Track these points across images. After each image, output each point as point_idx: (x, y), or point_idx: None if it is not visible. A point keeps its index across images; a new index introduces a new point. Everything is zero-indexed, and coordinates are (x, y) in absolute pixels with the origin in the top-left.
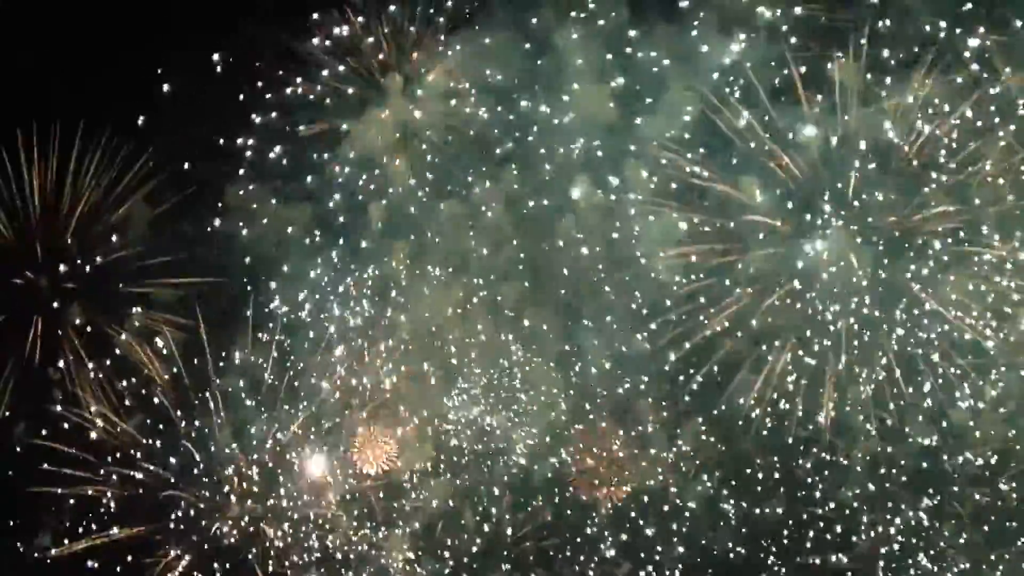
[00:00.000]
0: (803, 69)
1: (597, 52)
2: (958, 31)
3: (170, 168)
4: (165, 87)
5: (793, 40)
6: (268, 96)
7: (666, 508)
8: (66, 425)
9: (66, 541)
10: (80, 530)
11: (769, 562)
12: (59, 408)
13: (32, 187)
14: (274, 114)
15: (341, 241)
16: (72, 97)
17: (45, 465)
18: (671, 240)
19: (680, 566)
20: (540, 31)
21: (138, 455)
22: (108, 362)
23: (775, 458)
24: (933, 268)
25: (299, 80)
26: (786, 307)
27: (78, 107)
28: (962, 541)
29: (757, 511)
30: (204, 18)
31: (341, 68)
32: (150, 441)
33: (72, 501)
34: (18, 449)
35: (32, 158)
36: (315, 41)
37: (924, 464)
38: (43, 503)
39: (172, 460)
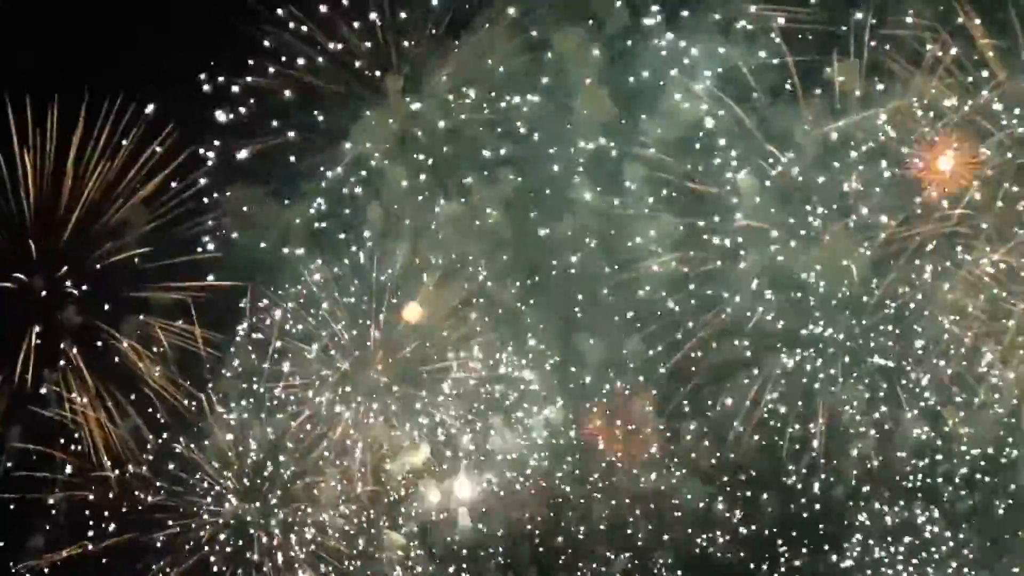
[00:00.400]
0: (801, 73)
1: (594, 55)
2: (957, 37)
3: (170, 171)
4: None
5: (791, 43)
6: (265, 97)
7: (660, 511)
8: (62, 439)
9: (58, 547)
10: (72, 537)
11: (763, 565)
12: (53, 414)
13: (27, 184)
14: (270, 115)
15: (338, 244)
16: (70, 88)
17: (39, 472)
18: (666, 245)
19: (674, 569)
20: (537, 33)
21: (133, 461)
22: (104, 368)
23: (769, 461)
24: (929, 273)
25: (296, 81)
26: (781, 312)
27: (75, 99)
28: (953, 544)
29: (750, 514)
30: (201, 15)
31: (339, 69)
32: (145, 447)
33: (65, 508)
34: (9, 463)
35: (27, 149)
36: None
37: (918, 467)
38: (35, 510)
39: (167, 467)
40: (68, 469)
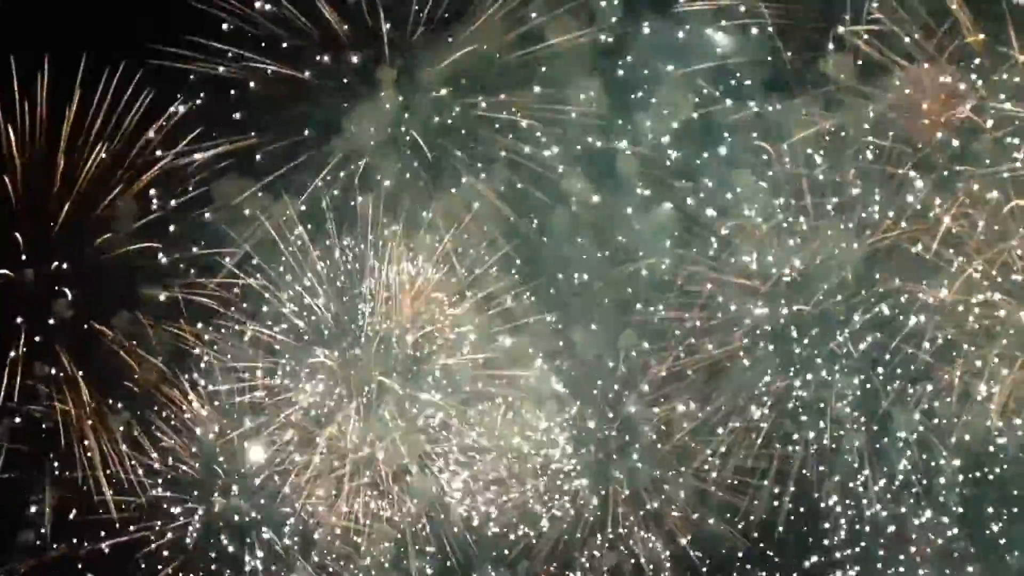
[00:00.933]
0: (794, 67)
1: (590, 47)
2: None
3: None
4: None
5: (785, 37)
6: (258, 89)
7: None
8: (51, 437)
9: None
10: (62, 538)
11: (754, 557)
12: (40, 410)
13: (15, 170)
14: (264, 108)
15: (332, 238)
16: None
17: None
18: (659, 241)
19: (670, 561)
20: (531, 26)
21: (123, 460)
22: (94, 365)
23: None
24: (923, 269)
25: (289, 72)
26: (773, 305)
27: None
28: (943, 540)
29: (744, 507)
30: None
31: (333, 61)
32: (136, 446)
33: (53, 508)
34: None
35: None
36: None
37: (910, 461)
38: (24, 509)
39: (157, 465)
40: (57, 468)
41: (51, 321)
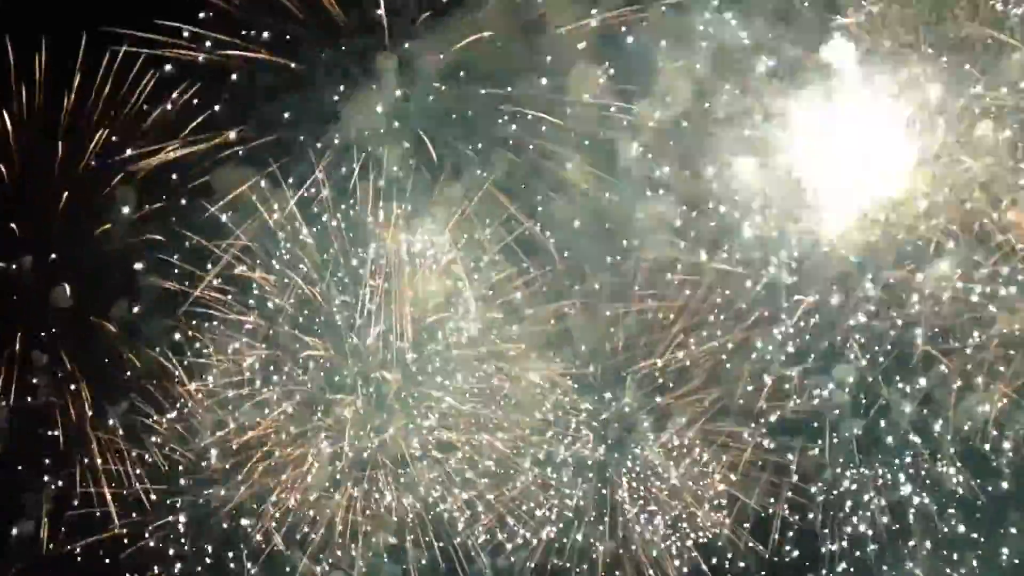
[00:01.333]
0: (797, 54)
1: (592, 34)
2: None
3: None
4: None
5: (788, 25)
6: (253, 78)
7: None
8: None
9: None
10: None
11: (751, 550)
12: (37, 402)
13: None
14: (259, 97)
15: (330, 228)
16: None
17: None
18: (661, 231)
19: (668, 551)
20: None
21: (122, 453)
22: (91, 357)
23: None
24: (923, 258)
25: (286, 61)
26: (774, 295)
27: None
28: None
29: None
30: None
31: (332, 49)
32: (135, 440)
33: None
34: None
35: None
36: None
37: (907, 453)
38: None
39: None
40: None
41: (48, 313)
